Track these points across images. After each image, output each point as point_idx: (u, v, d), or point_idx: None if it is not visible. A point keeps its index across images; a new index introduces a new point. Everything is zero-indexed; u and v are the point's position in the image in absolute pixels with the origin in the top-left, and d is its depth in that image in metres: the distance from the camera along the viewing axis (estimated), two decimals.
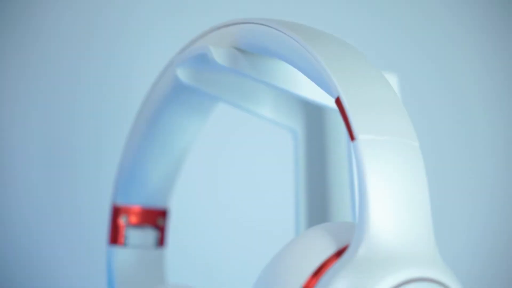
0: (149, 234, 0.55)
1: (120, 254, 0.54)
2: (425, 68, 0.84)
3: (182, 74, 0.47)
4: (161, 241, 0.55)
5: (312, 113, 0.52)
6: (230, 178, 0.81)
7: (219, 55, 0.44)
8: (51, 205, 0.77)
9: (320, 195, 0.51)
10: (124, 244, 0.54)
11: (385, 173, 0.35)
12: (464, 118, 0.85)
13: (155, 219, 0.55)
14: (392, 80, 0.48)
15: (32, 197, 0.76)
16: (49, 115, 0.77)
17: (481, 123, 0.85)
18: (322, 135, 0.52)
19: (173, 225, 0.57)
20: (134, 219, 0.54)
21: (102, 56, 0.77)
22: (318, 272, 0.35)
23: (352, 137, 0.35)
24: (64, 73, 0.77)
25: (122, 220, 0.54)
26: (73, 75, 0.77)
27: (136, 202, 0.54)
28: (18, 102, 0.76)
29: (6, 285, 0.75)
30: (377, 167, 0.35)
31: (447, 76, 0.85)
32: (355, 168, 0.46)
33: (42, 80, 0.76)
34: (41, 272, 0.76)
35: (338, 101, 0.36)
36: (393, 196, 0.35)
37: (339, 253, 0.35)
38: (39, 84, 0.76)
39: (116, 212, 0.54)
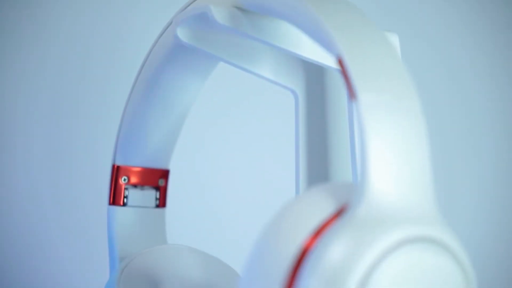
0: (150, 195, 0.55)
1: (121, 214, 0.54)
2: (426, 29, 0.84)
3: (182, 34, 0.47)
4: (161, 202, 0.55)
5: (312, 73, 0.52)
6: (230, 139, 0.81)
7: (219, 14, 0.43)
8: (50, 165, 0.77)
9: (321, 155, 0.51)
10: (125, 204, 0.54)
11: (386, 132, 0.35)
12: (463, 80, 0.84)
13: (156, 179, 0.55)
14: (393, 40, 0.48)
15: (31, 156, 0.76)
16: (51, 73, 0.77)
17: (481, 89, 0.84)
18: (322, 96, 0.52)
19: (173, 186, 0.57)
20: (134, 179, 0.54)
21: (102, 11, 0.76)
22: (318, 232, 0.35)
23: (353, 96, 0.35)
24: (66, 35, 0.76)
25: (122, 181, 0.54)
26: (74, 37, 0.76)
27: (137, 162, 0.54)
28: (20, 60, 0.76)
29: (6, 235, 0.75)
30: (378, 127, 0.35)
31: (448, 36, 0.84)
32: (355, 128, 0.46)
33: (44, 41, 0.76)
34: (41, 232, 0.77)
35: (339, 60, 0.36)
36: (394, 156, 0.35)
37: (339, 213, 0.35)
38: (39, 45, 0.76)
39: (116, 172, 0.54)
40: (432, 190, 0.36)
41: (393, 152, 0.35)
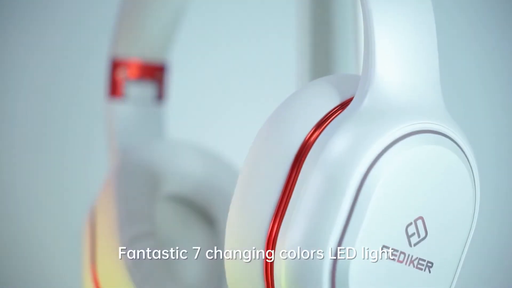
0: (149, 88, 0.54)
1: (119, 108, 0.53)
2: None
3: None
4: (160, 95, 0.54)
5: None
6: (231, 29, 0.79)
7: None
8: (50, 54, 0.76)
9: (324, 47, 0.50)
10: (123, 98, 0.53)
11: (392, 21, 0.34)
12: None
13: (155, 73, 0.54)
14: None
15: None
16: None
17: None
18: None
19: (174, 80, 0.56)
20: (133, 72, 0.54)
21: None
22: (321, 124, 0.34)
23: None
24: None
25: (121, 74, 0.53)
26: None
27: (136, 55, 0.53)
28: None
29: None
30: (384, 15, 0.34)
31: None
32: (360, 18, 0.45)
33: None
34: (39, 120, 0.76)
35: None
36: (400, 46, 0.34)
37: (343, 105, 0.35)
38: None
39: (114, 65, 0.53)
40: (438, 82, 0.35)
41: (399, 41, 0.34)
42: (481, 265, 0.80)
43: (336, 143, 0.33)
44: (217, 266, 0.51)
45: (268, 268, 0.33)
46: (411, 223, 0.33)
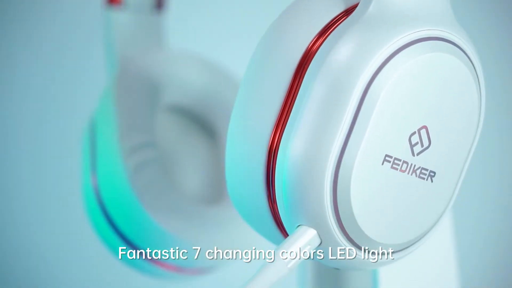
0: None
1: (118, 16, 0.53)
2: None
3: None
4: (160, 4, 0.54)
5: None
6: None
7: None
8: None
9: None
10: (122, 6, 0.52)
11: None
12: None
13: None
14: None
15: None
16: None
17: None
18: None
19: None
20: None
21: None
22: (324, 32, 0.33)
23: None
24: None
25: None
26: None
27: None
28: None
29: None
30: None
31: None
32: None
33: None
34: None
35: None
36: None
37: (348, 12, 0.34)
38: None
39: None
40: None
41: None
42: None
43: (339, 50, 0.32)
44: (218, 175, 0.51)
45: (269, 175, 0.33)
46: (414, 133, 0.33)
